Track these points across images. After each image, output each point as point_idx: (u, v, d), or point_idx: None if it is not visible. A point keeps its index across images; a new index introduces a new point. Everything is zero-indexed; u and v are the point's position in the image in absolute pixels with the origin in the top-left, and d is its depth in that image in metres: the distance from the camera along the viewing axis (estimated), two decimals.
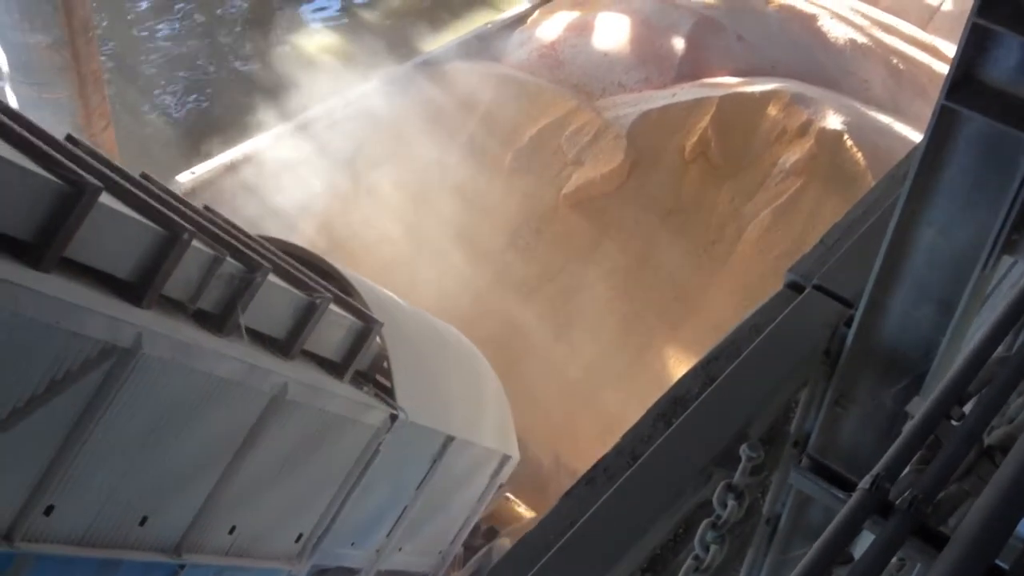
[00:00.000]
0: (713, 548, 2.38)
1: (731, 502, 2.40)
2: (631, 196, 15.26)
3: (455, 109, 15.95)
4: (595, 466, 2.75)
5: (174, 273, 5.25)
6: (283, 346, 6.41)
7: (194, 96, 17.30)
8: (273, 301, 6.18)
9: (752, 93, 15.55)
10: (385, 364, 7.77)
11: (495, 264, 14.81)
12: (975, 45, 2.40)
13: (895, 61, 17.30)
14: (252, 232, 6.86)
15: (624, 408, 12.33)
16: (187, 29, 18.44)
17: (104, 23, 17.52)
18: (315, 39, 18.59)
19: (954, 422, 1.44)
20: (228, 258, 5.65)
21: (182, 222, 5.26)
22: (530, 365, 13.67)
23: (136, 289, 5.11)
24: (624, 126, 15.40)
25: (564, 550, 2.47)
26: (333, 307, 6.76)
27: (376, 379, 7.73)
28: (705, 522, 2.43)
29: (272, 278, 6.07)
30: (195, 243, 5.32)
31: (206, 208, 6.54)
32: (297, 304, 6.43)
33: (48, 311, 4.46)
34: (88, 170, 4.83)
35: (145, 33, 18.06)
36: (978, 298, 2.76)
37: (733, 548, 2.69)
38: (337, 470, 7.28)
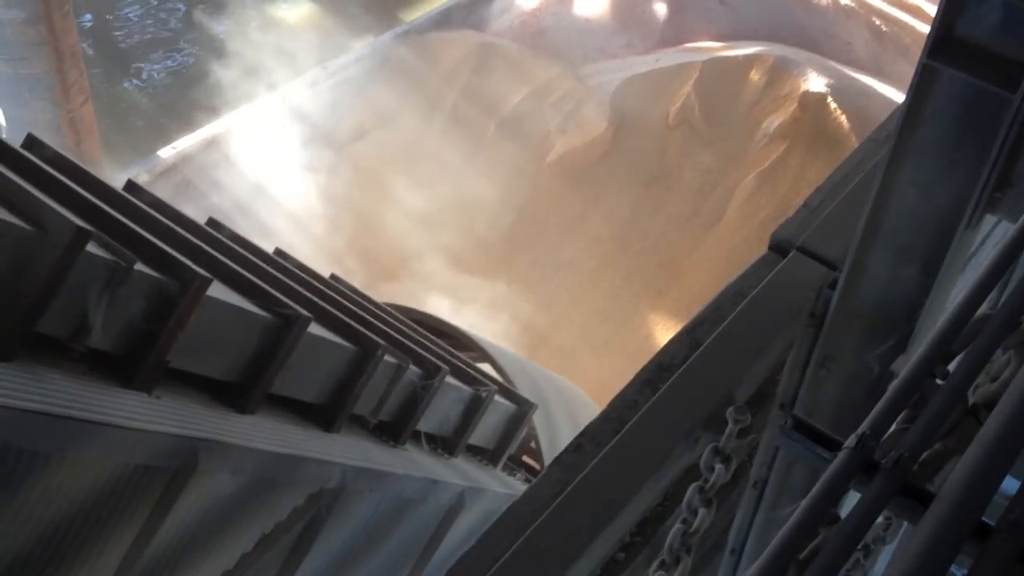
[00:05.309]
0: (701, 512, 2.38)
1: (718, 465, 2.40)
2: (615, 163, 15.24)
3: (437, 79, 15.85)
4: (582, 433, 2.75)
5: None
6: (448, 443, 6.25)
7: (173, 70, 17.14)
8: (444, 401, 6.00)
9: (735, 57, 15.50)
10: (533, 444, 7.57)
11: (480, 234, 14.79)
12: (957, 3, 2.38)
13: (878, 22, 17.26)
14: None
15: (611, 375, 12.37)
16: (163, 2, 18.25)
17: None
18: (294, 10, 18.42)
19: (939, 380, 1.44)
20: (411, 366, 5.41)
21: (373, 336, 4.96)
22: (516, 334, 13.69)
23: (327, 412, 4.85)
24: (607, 93, 15.35)
25: (553, 516, 2.47)
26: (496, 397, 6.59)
27: (523, 461, 7.55)
28: (693, 486, 2.43)
29: (447, 379, 5.88)
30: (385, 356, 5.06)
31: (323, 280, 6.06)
32: (464, 399, 6.25)
33: (263, 466, 4.13)
34: (277, 286, 4.43)
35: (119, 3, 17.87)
36: (961, 257, 2.76)
37: (721, 511, 2.70)
38: None
